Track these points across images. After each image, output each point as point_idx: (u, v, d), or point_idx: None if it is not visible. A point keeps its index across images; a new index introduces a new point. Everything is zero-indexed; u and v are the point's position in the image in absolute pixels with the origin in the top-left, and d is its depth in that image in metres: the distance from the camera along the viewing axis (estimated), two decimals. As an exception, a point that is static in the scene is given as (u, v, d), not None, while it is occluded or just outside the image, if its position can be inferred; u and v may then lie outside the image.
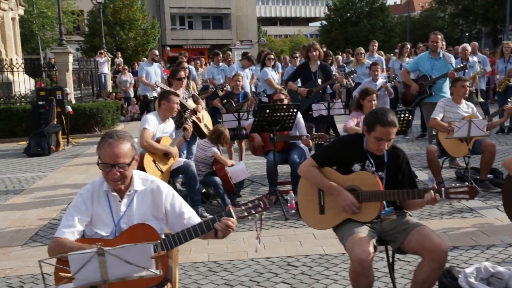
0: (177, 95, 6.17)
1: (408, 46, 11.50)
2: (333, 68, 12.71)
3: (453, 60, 8.08)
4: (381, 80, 8.45)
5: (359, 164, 3.53)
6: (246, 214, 2.81)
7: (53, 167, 9.80)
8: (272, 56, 10.73)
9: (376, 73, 8.51)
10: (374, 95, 6.66)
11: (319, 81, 8.17)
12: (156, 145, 5.94)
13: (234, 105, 8.83)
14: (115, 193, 2.95)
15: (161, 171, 5.98)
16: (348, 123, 6.66)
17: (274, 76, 10.68)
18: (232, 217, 2.79)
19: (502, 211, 5.54)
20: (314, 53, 8.14)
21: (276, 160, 6.37)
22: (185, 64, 8.60)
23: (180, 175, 6.43)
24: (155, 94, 12.59)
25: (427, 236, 3.26)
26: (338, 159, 3.57)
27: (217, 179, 6.25)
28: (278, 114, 6.08)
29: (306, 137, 6.28)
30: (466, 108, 6.71)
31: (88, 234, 2.94)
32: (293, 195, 6.27)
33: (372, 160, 3.51)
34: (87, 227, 2.94)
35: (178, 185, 7.14)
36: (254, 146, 6.92)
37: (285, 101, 6.67)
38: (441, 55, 7.82)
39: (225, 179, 6.32)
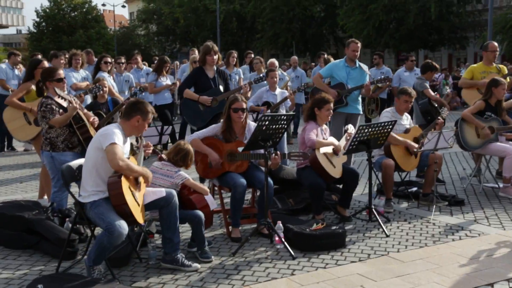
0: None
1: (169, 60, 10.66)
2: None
3: (367, 70, 7.73)
4: (279, 90, 7.66)
5: None
6: None
7: None
8: (109, 60, 8.90)
9: (275, 79, 7.62)
10: (332, 103, 5.98)
11: (221, 88, 7.02)
12: (134, 167, 4.19)
13: (104, 116, 6.91)
14: None
15: (138, 204, 4.18)
16: (311, 136, 5.76)
17: (113, 83, 8.85)
18: None
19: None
20: (215, 57, 6.96)
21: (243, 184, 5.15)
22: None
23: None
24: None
25: None
26: None
27: (198, 212, 4.63)
28: (272, 126, 4.91)
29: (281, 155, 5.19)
30: (406, 120, 6.64)
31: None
32: (281, 225, 5.08)
33: None
34: None
35: (69, 224, 4.93)
36: (205, 167, 5.35)
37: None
38: (357, 65, 7.47)
39: (207, 212, 4.74)
